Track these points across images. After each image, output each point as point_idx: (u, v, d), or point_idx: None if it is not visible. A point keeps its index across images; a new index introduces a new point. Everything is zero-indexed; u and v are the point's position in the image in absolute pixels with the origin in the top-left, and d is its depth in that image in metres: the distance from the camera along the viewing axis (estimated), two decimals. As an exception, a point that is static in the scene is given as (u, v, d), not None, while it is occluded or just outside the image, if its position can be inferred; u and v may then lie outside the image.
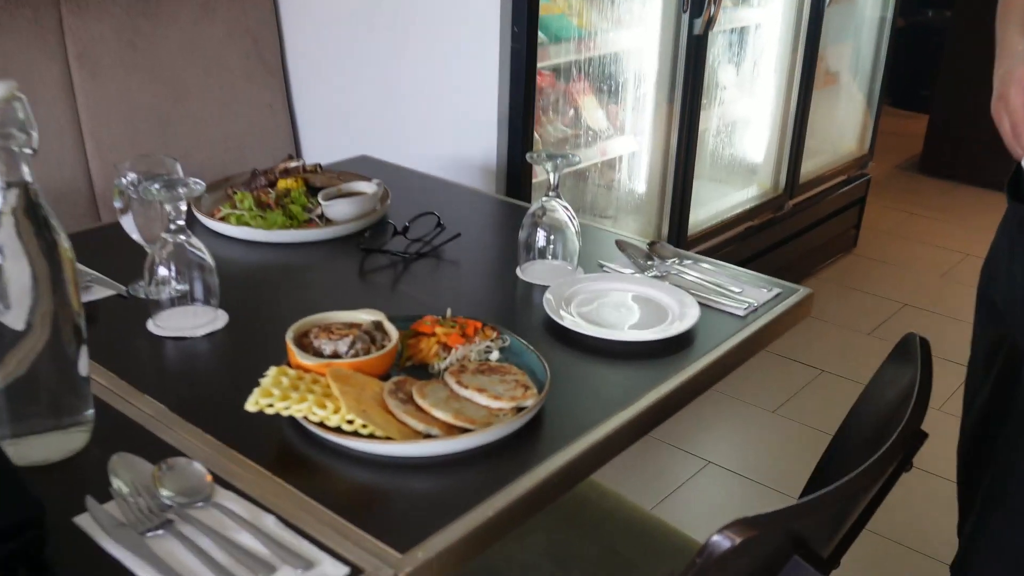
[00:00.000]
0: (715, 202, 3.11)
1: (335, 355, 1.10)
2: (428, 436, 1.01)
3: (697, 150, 2.80)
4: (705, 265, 1.50)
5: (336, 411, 1.01)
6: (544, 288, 1.40)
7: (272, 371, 1.05)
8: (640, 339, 1.24)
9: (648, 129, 2.72)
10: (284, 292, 1.41)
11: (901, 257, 4.01)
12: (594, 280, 1.40)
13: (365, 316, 1.17)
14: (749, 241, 3.19)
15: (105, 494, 0.90)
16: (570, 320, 1.28)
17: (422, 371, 1.16)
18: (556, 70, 2.49)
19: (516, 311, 1.37)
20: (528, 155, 1.39)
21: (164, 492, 0.90)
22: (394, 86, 2.37)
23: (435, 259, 1.51)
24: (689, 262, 1.50)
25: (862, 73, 3.80)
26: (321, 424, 1.01)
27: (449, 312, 1.23)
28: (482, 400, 1.06)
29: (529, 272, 1.45)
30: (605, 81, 2.61)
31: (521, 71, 2.05)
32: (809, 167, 3.47)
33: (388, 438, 0.99)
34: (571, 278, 1.40)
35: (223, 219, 1.57)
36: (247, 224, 1.55)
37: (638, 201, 2.83)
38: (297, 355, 1.08)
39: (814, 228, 3.64)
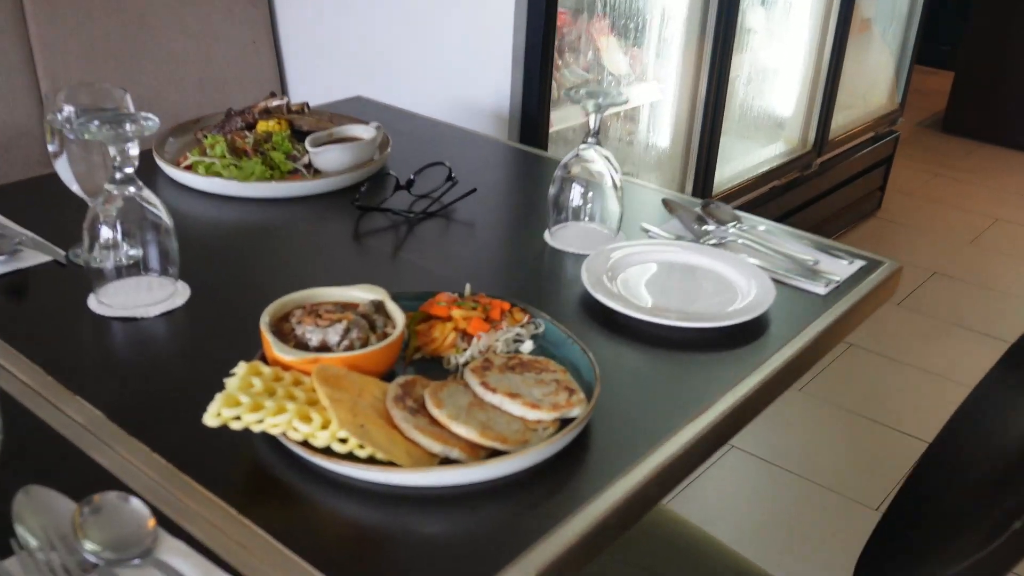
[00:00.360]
0: (739, 159, 2.84)
1: (323, 348, 0.84)
2: (446, 460, 0.76)
3: (726, 100, 2.54)
4: (764, 228, 1.24)
5: (324, 426, 0.76)
6: (578, 257, 1.14)
7: (241, 369, 0.80)
8: (708, 326, 0.99)
9: (674, 76, 2.45)
10: (261, 261, 1.15)
11: (927, 221, 3.76)
12: (640, 249, 1.15)
13: (362, 294, 0.92)
14: (773, 203, 2.94)
15: (5, 547, 0.65)
16: (616, 299, 1.02)
17: (435, 367, 0.91)
18: (575, 8, 2.22)
19: (546, 286, 1.11)
20: (567, 92, 1.12)
21: (88, 545, 0.65)
22: (395, 18, 2.08)
23: (445, 220, 1.26)
24: (752, 227, 1.25)
25: (898, 18, 3.52)
26: (305, 444, 0.76)
27: (469, 289, 0.98)
28: (516, 409, 0.81)
29: (560, 237, 1.20)
30: (630, 18, 2.33)
31: (541, 1, 1.78)
32: (839, 122, 3.21)
33: (393, 463, 0.74)
34: (612, 246, 1.14)
35: (189, 168, 1.31)
36: (218, 174, 1.28)
37: (660, 156, 2.57)
38: (274, 347, 0.83)
39: (839, 189, 3.39)
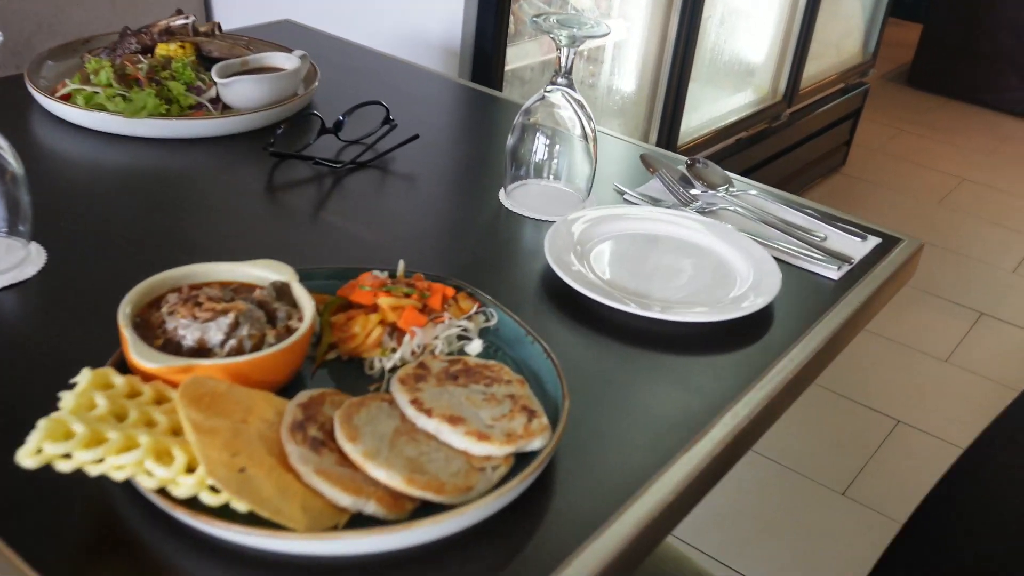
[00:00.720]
0: (706, 108, 2.64)
1: (201, 350, 0.63)
2: (359, 517, 0.55)
3: (697, 42, 2.32)
4: (755, 193, 1.04)
5: (192, 467, 0.55)
6: (539, 224, 0.94)
7: (83, 380, 0.58)
8: (702, 320, 0.79)
9: (642, 13, 2.23)
10: (145, 220, 0.92)
11: (893, 179, 3.61)
12: (615, 216, 0.94)
13: (262, 273, 0.70)
14: (738, 156, 2.74)
15: None
16: (587, 284, 0.82)
17: (354, 372, 0.70)
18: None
19: (500, 261, 0.90)
20: (533, 19, 0.90)
21: None
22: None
23: (380, 172, 1.03)
24: (743, 191, 1.05)
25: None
26: (163, 492, 0.54)
27: (402, 266, 0.76)
28: (458, 439, 0.61)
29: (519, 198, 0.99)
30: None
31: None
32: (809, 71, 3.02)
33: (282, 527, 0.53)
34: (581, 212, 0.94)
35: (67, 98, 1.07)
36: (101, 107, 1.04)
37: (623, 102, 2.35)
38: (131, 349, 0.61)
39: (806, 143, 3.21)
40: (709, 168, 1.06)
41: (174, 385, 0.60)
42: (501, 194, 1.00)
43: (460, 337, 0.73)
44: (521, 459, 0.61)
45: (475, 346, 0.72)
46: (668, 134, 2.40)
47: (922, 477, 1.98)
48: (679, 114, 2.40)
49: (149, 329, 0.65)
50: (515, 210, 0.97)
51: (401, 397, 0.63)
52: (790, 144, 3.07)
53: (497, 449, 0.60)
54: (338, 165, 1.01)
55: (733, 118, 2.70)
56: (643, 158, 1.07)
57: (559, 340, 0.76)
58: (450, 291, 0.74)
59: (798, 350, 0.79)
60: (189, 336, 0.63)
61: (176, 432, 0.56)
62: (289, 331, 0.66)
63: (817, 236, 0.97)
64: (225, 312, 0.64)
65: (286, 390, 0.65)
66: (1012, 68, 4.27)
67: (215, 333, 0.63)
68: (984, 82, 4.37)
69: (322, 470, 0.56)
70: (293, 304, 0.68)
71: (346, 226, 0.92)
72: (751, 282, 0.86)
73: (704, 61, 2.52)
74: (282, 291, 0.68)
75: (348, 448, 0.58)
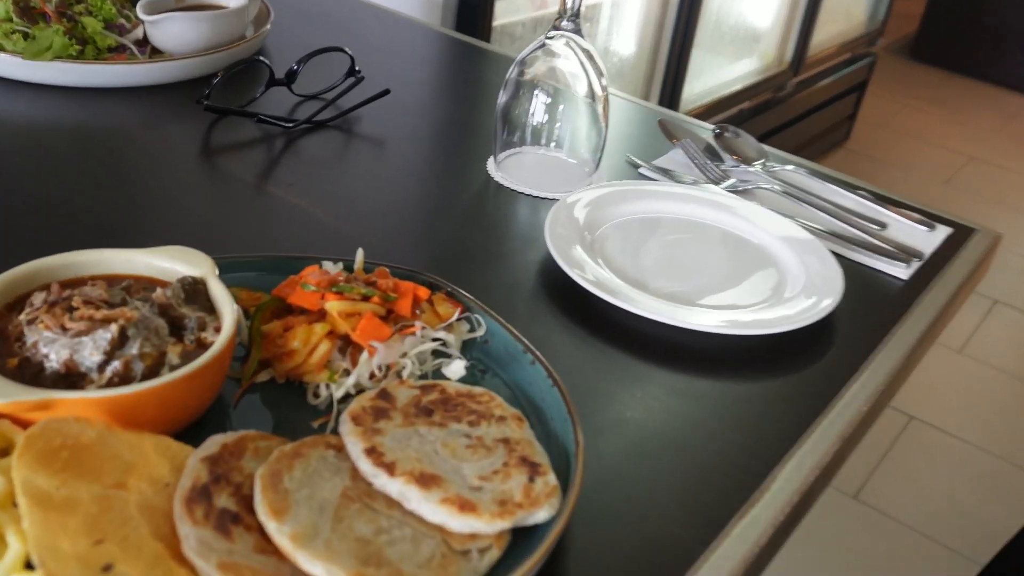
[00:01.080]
0: (708, 75, 2.45)
1: (71, 375, 0.45)
2: (284, 641, 0.38)
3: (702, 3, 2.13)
4: (791, 170, 0.87)
5: (23, 567, 0.37)
6: (537, 202, 0.76)
7: None
8: (748, 332, 0.62)
9: (645, -33, 2.04)
10: (36, 190, 0.73)
11: (898, 156, 3.44)
12: (631, 195, 0.77)
13: (166, 264, 0.52)
14: (741, 127, 2.56)
15: None
16: (602, 282, 0.64)
17: (294, 402, 0.52)
18: None
19: (489, 247, 0.72)
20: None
21: None
22: None
23: (342, 135, 0.85)
24: (783, 168, 0.87)
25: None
26: (-20, 605, 0.37)
27: (361, 257, 0.58)
28: (431, 510, 0.43)
29: (512, 170, 0.80)
30: None
31: None
32: (817, 38, 2.83)
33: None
34: (588, 189, 0.76)
35: (-40, 35, 0.87)
36: None
37: (620, 65, 2.16)
38: (-39, 377, 0.42)
39: (810, 116, 3.03)
40: (741, 138, 0.89)
41: (25, 424, 0.42)
42: (490, 164, 0.82)
43: (437, 354, 0.55)
44: (520, 536, 0.44)
45: (456, 367, 0.54)
46: (669, 102, 2.22)
47: (938, 481, 1.83)
48: (681, 80, 2.22)
49: (4, 343, 0.46)
50: (507, 184, 0.79)
51: (353, 444, 0.46)
52: (793, 116, 2.89)
53: (486, 524, 0.43)
54: (289, 124, 0.83)
55: (737, 86, 2.52)
56: (662, 124, 0.89)
57: (565, 356, 0.59)
58: (424, 291, 0.56)
59: (871, 373, 0.62)
60: (54, 355, 0.45)
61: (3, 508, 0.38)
62: (201, 347, 0.48)
63: (875, 224, 0.79)
64: (106, 322, 0.46)
65: (194, 432, 0.47)
66: (1018, 44, 4.10)
67: (90, 352, 0.45)
68: (989, 57, 4.20)
69: (230, 564, 0.38)
70: (210, 308, 0.50)
71: (296, 201, 0.73)
72: (804, 282, 0.68)
73: (709, 24, 2.33)
74: (194, 290, 0.50)
75: (272, 528, 0.40)
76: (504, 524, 0.43)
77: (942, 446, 1.95)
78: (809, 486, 0.53)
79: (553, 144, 0.80)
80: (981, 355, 2.25)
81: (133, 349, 0.45)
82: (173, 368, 0.46)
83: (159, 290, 0.49)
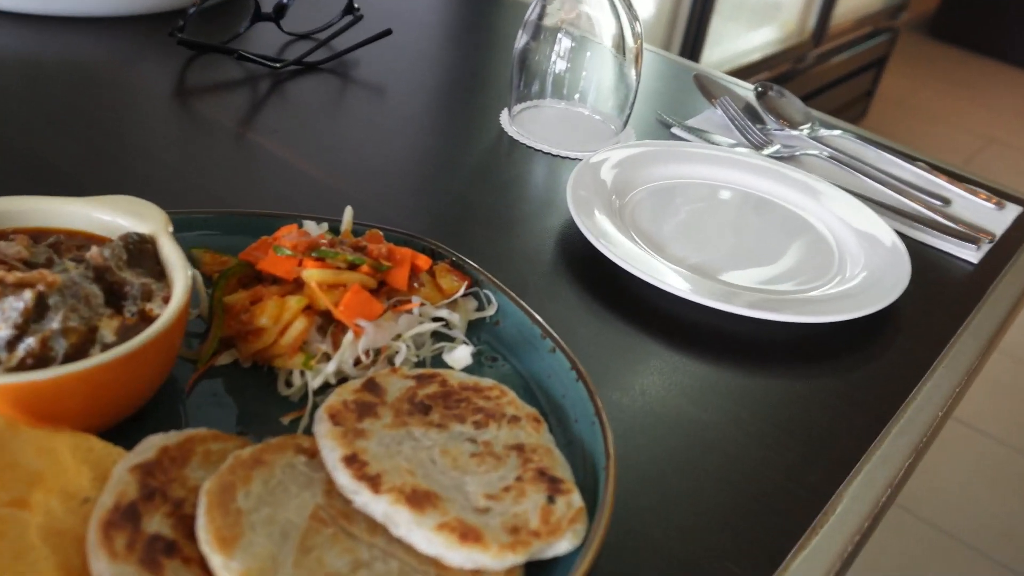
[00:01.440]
0: (727, 44, 2.34)
1: (-37, 357, 0.35)
2: None
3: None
4: (838, 135, 0.77)
5: None
6: (556, 162, 0.66)
7: None
8: (803, 319, 0.52)
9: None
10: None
11: (916, 137, 3.33)
12: (666, 156, 0.67)
13: (107, 217, 0.42)
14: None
15: None
16: (632, 253, 0.55)
17: (260, 391, 0.42)
18: None
19: (502, 211, 0.62)
20: None
21: None
22: None
23: (337, 79, 0.75)
24: (830, 133, 0.77)
25: None
26: None
27: (349, 216, 0.48)
28: (425, 537, 0.34)
29: (529, 125, 0.71)
30: None
31: None
32: (839, 8, 2.72)
33: None
34: (618, 150, 0.66)
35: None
36: (-49, -32, 0.75)
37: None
38: None
39: (829, 90, 2.92)
40: (786, 98, 0.79)
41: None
42: (503, 118, 0.72)
43: (438, 337, 0.45)
44: (534, 572, 0.35)
45: (461, 354, 0.44)
46: (686, 69, 2.11)
47: (977, 489, 1.73)
48: (700, 48, 2.11)
49: None
50: (522, 140, 0.69)
51: (330, 449, 0.36)
52: (813, 89, 2.78)
53: (494, 559, 0.34)
54: (276, 65, 0.73)
55: (756, 56, 2.41)
56: (698, 80, 0.79)
57: (589, 342, 0.49)
58: (424, 260, 0.46)
59: (945, 370, 0.53)
60: (-48, 328, 0.35)
61: None
62: (145, 320, 0.38)
63: (938, 200, 0.70)
64: (20, 287, 0.36)
65: (132, 429, 0.38)
66: (1042, 25, 3.98)
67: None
68: (1011, 37, 4.08)
69: (158, 613, 0.29)
70: (159, 274, 0.41)
71: (280, 153, 0.64)
72: (864, 263, 0.58)
73: (730, -12, 2.21)
74: (140, 250, 0.41)
75: (217, 563, 0.31)
76: (516, 558, 0.34)
77: (978, 446, 1.86)
78: (880, 507, 0.44)
79: (577, 97, 0.70)
80: (1013, 350, 2.15)
81: (54, 323, 0.36)
82: (106, 347, 0.37)
83: (95, 249, 0.39)
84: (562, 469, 0.38)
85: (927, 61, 4.04)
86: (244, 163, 0.62)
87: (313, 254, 0.43)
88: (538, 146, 0.68)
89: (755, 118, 0.76)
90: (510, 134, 0.70)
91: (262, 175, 0.61)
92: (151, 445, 0.35)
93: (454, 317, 0.45)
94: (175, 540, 0.32)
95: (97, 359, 0.35)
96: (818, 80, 2.80)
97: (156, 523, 0.32)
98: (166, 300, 0.39)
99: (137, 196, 0.43)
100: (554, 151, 0.68)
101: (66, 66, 0.70)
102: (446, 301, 0.46)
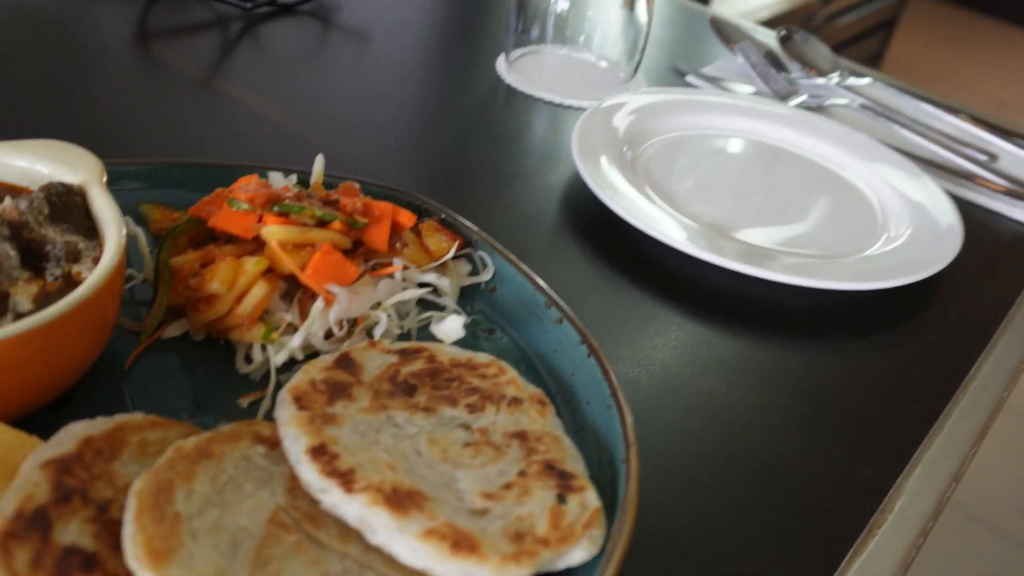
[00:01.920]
0: (733, 1, 2.26)
1: None
2: None
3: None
4: (867, 84, 0.70)
5: None
6: (558, 111, 0.59)
7: None
8: (839, 286, 0.45)
9: None
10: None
11: (925, 100, 3.25)
12: (682, 105, 0.60)
13: (30, 165, 0.36)
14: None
15: None
16: (645, 212, 0.48)
17: (214, 369, 0.36)
18: None
19: (498, 164, 0.55)
20: None
21: None
22: None
23: (314, 22, 0.68)
24: (859, 82, 0.70)
25: None
26: None
27: (320, 165, 0.42)
28: (408, 545, 0.27)
29: (528, 72, 0.64)
30: None
31: None
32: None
33: None
34: (629, 97, 0.59)
35: None
36: None
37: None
38: None
39: (837, 52, 2.84)
40: (810, 44, 0.72)
41: None
42: (500, 64, 0.65)
43: (425, 305, 0.39)
44: (542, 587, 0.29)
45: (452, 324, 0.38)
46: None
47: (994, 466, 1.66)
48: (707, 3, 2.03)
49: None
50: (521, 89, 0.62)
51: (294, 439, 0.30)
52: (820, 53, 2.71)
53: (493, 573, 0.28)
54: (248, 5, 0.66)
55: (764, 15, 2.33)
56: (715, 24, 0.72)
57: (599, 310, 0.43)
58: (407, 217, 0.40)
59: (1005, 346, 0.46)
60: None
61: None
62: (71, 285, 0.32)
63: (984, 155, 0.63)
64: (-89, 245, 0.30)
65: (56, 414, 0.31)
66: (1054, -13, 3.89)
67: None
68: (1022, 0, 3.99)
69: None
70: (89, 231, 0.34)
71: (251, 101, 0.57)
72: (908, 223, 0.52)
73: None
74: (67, 203, 0.34)
75: (142, 584, 0.25)
76: (521, 572, 0.28)
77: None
78: (942, 502, 0.38)
79: (581, 40, 0.64)
80: None
81: (-46, 287, 0.29)
82: (20, 316, 0.30)
83: (8, 200, 0.33)
84: (573, 461, 0.32)
85: (937, 23, 3.95)
86: (211, 113, 0.55)
87: (275, 208, 0.37)
88: (538, 95, 0.62)
89: (778, 66, 0.69)
90: (507, 82, 0.63)
91: (228, 126, 0.54)
92: (71, 435, 0.28)
93: (443, 282, 0.39)
94: (96, 552, 0.26)
95: (9, 329, 0.29)
96: (827, 41, 2.72)
97: (72, 532, 0.26)
98: (96, 261, 0.33)
99: (94, 151, 0.37)
100: (556, 100, 0.61)
101: (13, 7, 0.63)
102: (434, 264, 0.40)
